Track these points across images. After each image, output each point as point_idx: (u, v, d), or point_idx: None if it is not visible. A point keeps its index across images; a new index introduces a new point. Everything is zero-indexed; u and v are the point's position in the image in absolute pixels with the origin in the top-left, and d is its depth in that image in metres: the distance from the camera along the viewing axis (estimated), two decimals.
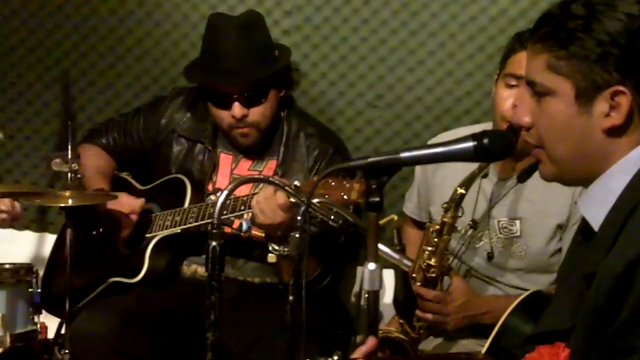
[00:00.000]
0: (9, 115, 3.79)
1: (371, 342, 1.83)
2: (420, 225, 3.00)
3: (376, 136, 3.43)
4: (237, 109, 2.97)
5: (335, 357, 1.47)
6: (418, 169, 2.95)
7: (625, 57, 1.59)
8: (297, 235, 2.06)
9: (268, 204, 2.68)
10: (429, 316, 2.56)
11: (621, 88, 1.59)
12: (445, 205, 2.53)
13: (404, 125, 3.40)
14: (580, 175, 1.68)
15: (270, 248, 2.77)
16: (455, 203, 2.51)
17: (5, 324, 2.77)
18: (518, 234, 2.68)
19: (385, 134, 3.42)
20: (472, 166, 2.55)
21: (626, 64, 1.59)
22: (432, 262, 2.55)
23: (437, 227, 2.54)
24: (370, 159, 1.74)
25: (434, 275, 2.56)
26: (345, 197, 2.34)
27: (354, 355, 1.80)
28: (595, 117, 1.61)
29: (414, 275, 2.56)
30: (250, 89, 2.98)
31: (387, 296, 2.92)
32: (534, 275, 2.68)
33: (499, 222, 2.70)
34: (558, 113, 1.64)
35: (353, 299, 3.31)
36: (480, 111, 3.29)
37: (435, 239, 2.55)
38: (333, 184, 2.43)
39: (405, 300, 2.43)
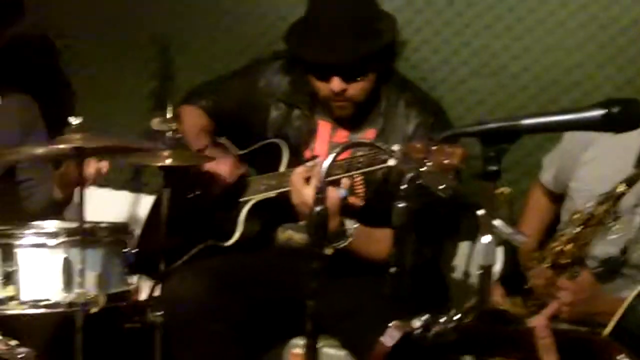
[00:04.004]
0: (108, 74, 3.81)
1: (554, 305, 1.77)
2: (551, 195, 2.92)
3: (478, 106, 3.32)
4: (336, 83, 2.90)
5: (423, 318, 1.43)
6: (567, 140, 2.84)
7: None
8: (400, 205, 1.99)
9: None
10: (555, 304, 2.47)
11: None
12: (601, 199, 2.46)
13: (508, 96, 3.28)
14: None
15: None
16: (614, 200, 2.43)
17: (100, 284, 2.77)
18: None
19: (488, 104, 3.31)
20: (630, 151, 2.46)
21: None
22: (567, 248, 2.48)
23: (586, 217, 2.47)
24: (488, 125, 1.67)
25: (564, 262, 2.48)
26: (446, 161, 2.26)
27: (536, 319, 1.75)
28: None
29: (543, 256, 2.49)
30: (351, 64, 2.91)
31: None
32: None
33: None
34: None
35: (454, 274, 3.22)
36: (591, 85, 3.15)
37: (578, 227, 2.47)
38: (434, 148, 2.37)
39: (514, 276, 2.37)
